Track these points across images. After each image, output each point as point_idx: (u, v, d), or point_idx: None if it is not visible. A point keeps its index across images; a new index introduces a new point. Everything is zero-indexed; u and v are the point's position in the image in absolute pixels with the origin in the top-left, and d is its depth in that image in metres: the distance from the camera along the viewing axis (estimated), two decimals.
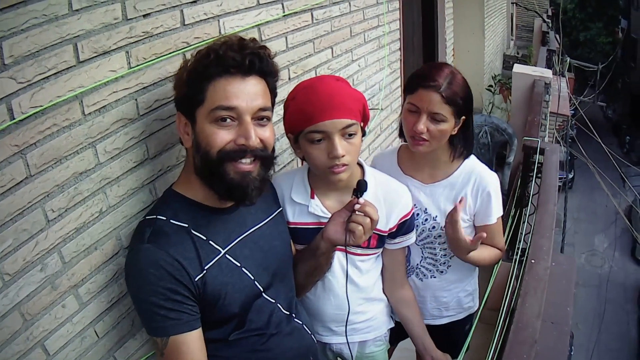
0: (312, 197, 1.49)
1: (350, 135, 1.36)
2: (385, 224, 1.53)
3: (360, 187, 1.35)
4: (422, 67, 1.64)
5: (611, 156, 9.50)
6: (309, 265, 1.47)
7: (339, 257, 1.53)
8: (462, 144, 1.65)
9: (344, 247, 1.45)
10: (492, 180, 1.68)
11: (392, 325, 1.75)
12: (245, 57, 1.15)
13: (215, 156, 1.15)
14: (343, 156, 1.34)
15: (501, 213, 1.72)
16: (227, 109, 1.14)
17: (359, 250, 1.54)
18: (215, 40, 1.20)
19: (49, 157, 1.05)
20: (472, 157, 1.72)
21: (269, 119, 1.22)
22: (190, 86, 1.15)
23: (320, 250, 1.43)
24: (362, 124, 1.43)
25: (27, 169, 1.01)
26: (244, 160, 1.17)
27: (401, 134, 1.73)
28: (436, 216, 1.70)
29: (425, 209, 1.70)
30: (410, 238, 1.62)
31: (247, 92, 1.16)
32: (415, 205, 1.70)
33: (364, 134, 1.46)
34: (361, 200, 1.34)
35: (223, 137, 1.15)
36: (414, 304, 1.73)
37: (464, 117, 1.59)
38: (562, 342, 2.35)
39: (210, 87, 1.14)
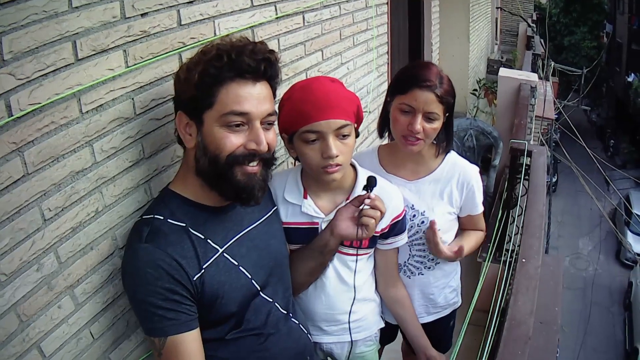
0: (305, 197, 1.50)
1: (344, 135, 1.37)
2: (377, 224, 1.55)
3: (371, 183, 1.43)
4: (408, 67, 1.66)
5: (595, 160, 9.64)
6: (312, 263, 1.49)
7: None
8: (445, 139, 1.68)
9: (355, 241, 1.51)
10: (474, 173, 1.73)
11: (382, 325, 1.76)
12: (260, 62, 1.16)
13: (224, 160, 1.16)
14: (337, 156, 1.35)
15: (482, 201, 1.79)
16: (239, 115, 1.14)
17: (351, 250, 1.55)
18: (221, 40, 1.18)
19: (47, 155, 1.04)
20: (453, 152, 1.76)
21: (273, 122, 1.24)
22: (200, 88, 1.14)
23: (328, 247, 1.46)
24: (355, 125, 1.44)
25: (24, 166, 1.00)
26: (251, 164, 1.18)
27: (381, 134, 1.75)
28: (424, 211, 1.71)
29: (412, 205, 1.72)
30: (402, 239, 1.63)
31: (257, 97, 1.17)
32: None
33: (357, 135, 1.47)
34: (372, 195, 1.41)
35: (233, 141, 1.16)
36: (408, 303, 1.74)
37: (447, 114, 1.62)
38: (551, 342, 2.37)
39: (222, 90, 1.13)
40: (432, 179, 1.72)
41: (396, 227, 1.58)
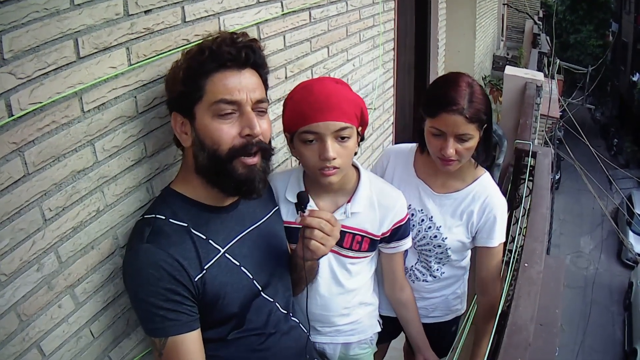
0: None
1: (343, 138, 1.34)
2: (378, 228, 1.53)
3: (300, 201, 1.28)
4: (437, 85, 1.58)
5: (598, 158, 9.60)
6: (293, 276, 1.47)
7: (329, 258, 1.52)
8: (484, 151, 1.62)
9: (354, 244, 1.49)
10: (501, 204, 1.67)
11: (379, 329, 1.74)
12: (240, 50, 1.15)
13: (225, 153, 1.15)
14: (334, 159, 1.33)
15: (503, 240, 1.70)
16: (228, 103, 1.14)
17: (350, 253, 1.53)
18: (206, 38, 1.19)
19: (47, 155, 1.03)
20: (487, 176, 1.70)
21: (265, 110, 1.23)
22: (186, 84, 1.15)
23: (299, 266, 1.41)
24: (359, 129, 1.42)
25: (24, 167, 0.99)
26: (250, 154, 1.18)
27: (422, 150, 1.69)
28: (440, 226, 1.69)
29: (432, 217, 1.69)
30: (405, 244, 1.61)
31: (245, 84, 1.16)
32: (421, 210, 1.70)
33: (362, 139, 1.45)
34: (306, 212, 1.27)
35: (228, 132, 1.15)
36: (412, 305, 1.74)
37: (485, 125, 1.55)
38: (551, 344, 2.36)
39: (208, 82, 1.14)
40: (458, 196, 1.68)
41: (399, 232, 1.56)
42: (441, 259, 1.75)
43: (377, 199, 1.52)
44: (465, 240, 1.70)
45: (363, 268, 1.59)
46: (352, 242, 1.52)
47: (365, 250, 1.54)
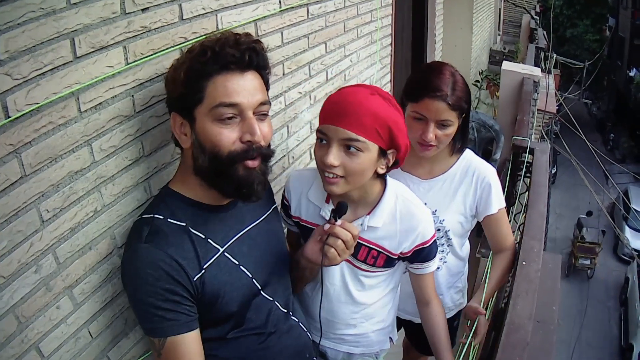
0: (327, 202, 1.46)
1: (351, 148, 1.27)
2: (397, 246, 1.45)
3: (339, 209, 1.29)
4: (421, 71, 1.63)
5: (595, 153, 9.63)
6: (294, 274, 1.46)
7: (342, 265, 1.47)
8: (460, 138, 1.66)
9: (369, 258, 1.46)
10: (490, 171, 1.70)
11: (387, 347, 1.70)
12: (244, 52, 1.14)
13: (225, 157, 1.13)
14: (334, 166, 1.28)
15: (503, 205, 1.73)
16: (229, 106, 1.12)
17: (363, 266, 1.49)
18: (208, 37, 1.18)
19: (44, 156, 1.02)
20: (469, 151, 1.74)
21: (267, 113, 1.21)
22: (187, 85, 1.13)
23: (301, 265, 1.41)
24: (390, 151, 1.33)
25: (21, 168, 0.98)
26: (251, 159, 1.16)
27: None
28: (435, 210, 1.70)
29: (425, 203, 1.68)
30: (430, 266, 1.52)
31: (247, 87, 1.14)
32: None
33: (395, 163, 1.37)
34: (339, 222, 1.27)
35: (229, 136, 1.13)
36: (438, 323, 1.60)
37: (464, 115, 1.60)
38: (549, 341, 2.36)
39: (209, 84, 1.12)
40: (446, 177, 1.71)
41: (422, 254, 1.48)
42: (443, 244, 1.75)
43: (401, 217, 1.44)
44: (463, 219, 1.72)
45: (378, 284, 1.53)
46: (367, 256, 1.46)
47: (380, 266, 1.49)
